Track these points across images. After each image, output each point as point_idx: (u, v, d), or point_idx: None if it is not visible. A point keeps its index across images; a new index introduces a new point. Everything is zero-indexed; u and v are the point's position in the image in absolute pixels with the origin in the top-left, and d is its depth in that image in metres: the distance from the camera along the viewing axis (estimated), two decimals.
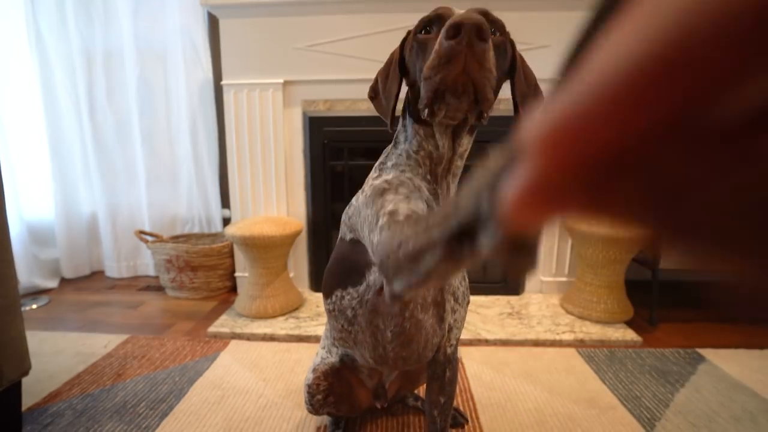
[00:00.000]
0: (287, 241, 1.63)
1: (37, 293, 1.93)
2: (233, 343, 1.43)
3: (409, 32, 0.62)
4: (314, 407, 0.87)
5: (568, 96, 0.08)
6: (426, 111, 0.52)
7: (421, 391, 1.09)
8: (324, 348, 0.88)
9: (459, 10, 0.55)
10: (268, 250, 1.58)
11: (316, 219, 1.83)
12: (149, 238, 1.95)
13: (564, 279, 1.81)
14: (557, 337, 1.43)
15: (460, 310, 0.74)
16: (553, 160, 0.08)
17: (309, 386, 0.86)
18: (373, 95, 0.69)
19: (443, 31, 0.46)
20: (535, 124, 0.09)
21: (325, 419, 1.02)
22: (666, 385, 1.18)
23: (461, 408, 1.08)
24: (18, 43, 1.91)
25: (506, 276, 1.82)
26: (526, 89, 0.62)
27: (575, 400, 1.11)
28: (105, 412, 1.06)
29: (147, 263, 2.17)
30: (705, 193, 0.08)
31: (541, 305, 1.71)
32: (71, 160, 2.08)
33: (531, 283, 1.86)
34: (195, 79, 2.00)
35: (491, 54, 0.48)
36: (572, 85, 0.08)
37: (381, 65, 0.69)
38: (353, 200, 0.69)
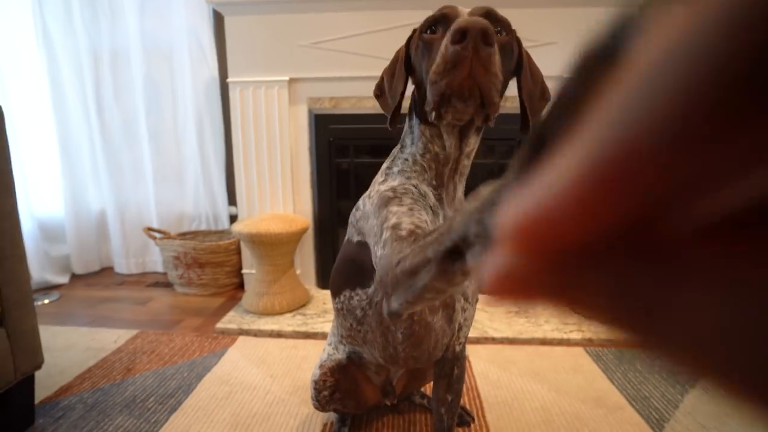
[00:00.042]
0: (294, 239, 1.64)
1: (48, 288, 1.96)
2: (241, 339, 1.44)
3: (414, 30, 0.62)
4: (320, 403, 0.87)
5: (534, 192, 0.08)
6: (433, 114, 0.52)
7: (428, 388, 1.09)
8: (331, 345, 0.89)
9: (464, 9, 0.55)
10: (275, 248, 1.59)
11: (322, 216, 1.83)
12: (157, 235, 1.97)
13: None
14: (565, 336, 1.43)
15: (470, 308, 0.74)
16: (519, 253, 0.09)
17: (315, 382, 0.86)
18: (379, 93, 0.69)
19: (449, 35, 0.46)
20: (507, 213, 0.09)
21: (331, 416, 1.03)
22: (675, 385, 1.17)
23: (468, 406, 1.08)
24: (26, 41, 1.93)
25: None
26: (533, 87, 0.62)
27: (583, 400, 1.11)
28: (115, 406, 1.08)
29: (155, 260, 2.19)
30: (664, 309, 0.08)
31: None
32: (80, 158, 2.10)
33: None
34: (201, 77, 2.01)
35: (497, 58, 0.48)
36: (539, 181, 0.08)
37: (386, 63, 0.69)
38: (360, 202, 0.69)
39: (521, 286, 0.09)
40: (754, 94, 0.06)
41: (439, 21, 0.55)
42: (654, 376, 1.21)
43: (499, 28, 0.55)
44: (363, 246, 0.66)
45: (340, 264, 0.76)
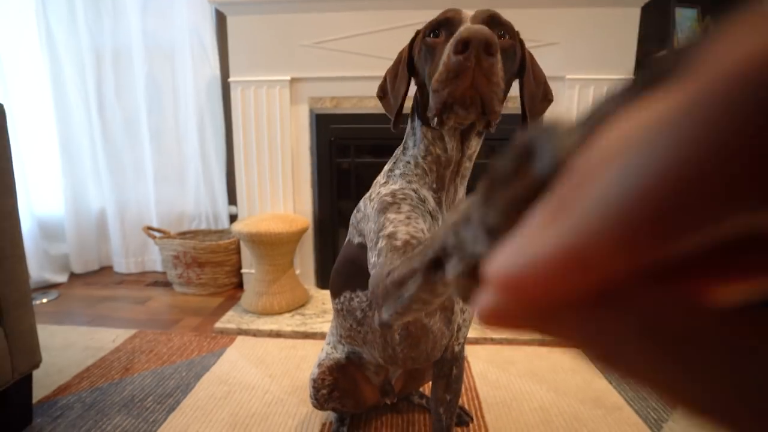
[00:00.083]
0: (294, 238, 1.64)
1: (47, 288, 1.96)
2: (239, 339, 1.44)
3: (417, 32, 0.62)
4: (319, 402, 0.87)
5: (517, 250, 0.09)
6: (435, 120, 0.53)
7: (426, 388, 1.09)
8: (329, 344, 0.89)
9: (468, 12, 0.55)
10: (275, 247, 1.59)
11: (322, 216, 1.83)
12: (157, 234, 1.97)
13: None
14: None
15: (470, 310, 0.74)
16: (504, 298, 0.10)
17: (314, 380, 0.86)
18: (382, 95, 0.69)
19: (452, 45, 0.47)
20: (494, 263, 0.10)
21: (330, 416, 1.02)
22: None
23: (466, 407, 1.08)
24: (28, 40, 1.93)
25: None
26: (535, 89, 0.62)
27: (581, 400, 1.11)
28: (113, 405, 1.08)
29: (155, 259, 2.19)
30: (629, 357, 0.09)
31: None
32: (81, 157, 2.10)
33: None
34: (203, 77, 2.01)
35: (499, 67, 0.48)
36: (520, 240, 0.09)
37: (388, 63, 0.69)
38: (360, 204, 0.70)
39: (507, 321, 0.10)
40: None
41: (442, 25, 0.55)
42: None
43: (502, 32, 0.55)
44: (363, 248, 0.66)
45: (341, 265, 0.76)
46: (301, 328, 1.48)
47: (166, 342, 1.41)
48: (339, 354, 0.86)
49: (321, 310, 1.65)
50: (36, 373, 1.01)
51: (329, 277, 0.80)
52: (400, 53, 0.65)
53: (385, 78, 0.68)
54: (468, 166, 0.64)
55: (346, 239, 0.75)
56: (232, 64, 1.71)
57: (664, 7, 1.61)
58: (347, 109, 1.71)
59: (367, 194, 0.68)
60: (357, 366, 0.88)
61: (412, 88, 0.65)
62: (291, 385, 1.17)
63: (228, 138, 2.08)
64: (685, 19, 1.75)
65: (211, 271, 1.87)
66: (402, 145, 0.67)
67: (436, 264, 0.27)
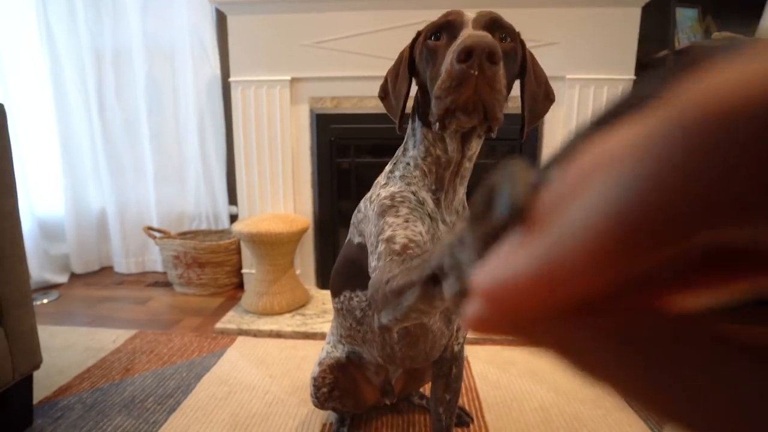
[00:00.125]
0: (294, 238, 1.64)
1: (47, 288, 1.96)
2: (240, 339, 1.44)
3: (419, 33, 0.62)
4: (319, 400, 0.87)
5: (501, 266, 0.10)
6: (437, 125, 0.53)
7: (427, 389, 1.09)
8: (330, 343, 0.89)
9: (469, 14, 0.55)
10: (275, 247, 1.59)
11: (322, 216, 1.83)
12: (157, 235, 1.97)
13: None
14: None
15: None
16: (489, 308, 0.10)
17: (314, 379, 0.87)
18: (383, 95, 0.69)
19: (455, 54, 0.47)
20: (480, 276, 0.10)
21: (330, 416, 1.02)
22: None
23: (466, 407, 1.08)
24: (29, 40, 1.93)
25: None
26: (537, 89, 0.62)
27: (581, 400, 1.11)
28: (114, 406, 1.08)
29: (155, 259, 2.19)
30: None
31: None
32: (81, 157, 2.10)
33: None
34: (203, 77, 2.01)
35: (501, 74, 0.49)
36: (503, 257, 0.10)
37: (388, 62, 0.69)
38: (361, 204, 0.70)
39: (490, 328, 0.11)
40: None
41: (443, 28, 0.55)
42: None
43: (503, 35, 0.55)
44: (363, 248, 0.66)
45: (341, 265, 0.76)
46: (302, 329, 1.48)
47: (167, 342, 1.41)
48: (339, 353, 0.86)
49: (321, 311, 1.65)
50: (36, 374, 1.01)
51: (329, 277, 0.80)
52: (401, 53, 0.65)
53: (386, 78, 0.68)
54: (468, 166, 0.64)
55: (347, 239, 0.75)
56: (233, 63, 1.71)
57: (664, 7, 1.60)
58: (347, 109, 1.71)
59: (368, 195, 0.68)
60: (357, 366, 0.88)
61: (413, 89, 0.65)
62: (291, 385, 1.17)
63: (228, 138, 2.08)
64: (685, 19, 1.75)
65: (212, 271, 1.87)
66: (402, 146, 0.67)
67: (434, 279, 0.28)
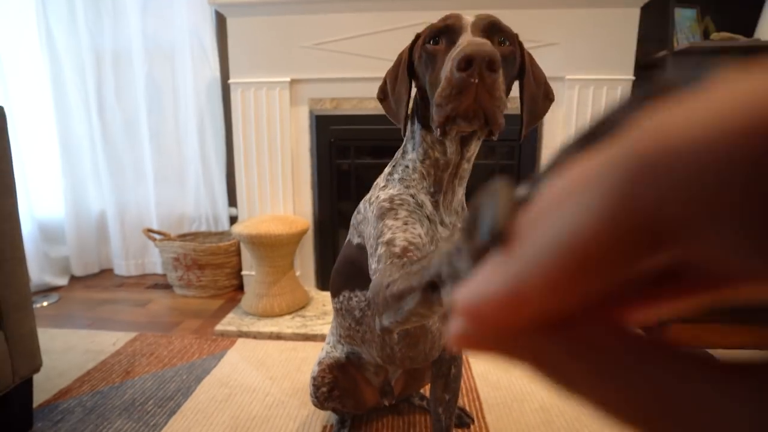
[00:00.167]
0: (294, 240, 1.63)
1: (47, 291, 1.95)
2: (240, 341, 1.44)
3: (417, 35, 0.62)
4: (319, 400, 0.87)
5: (480, 283, 0.11)
6: (438, 131, 0.54)
7: (427, 390, 1.09)
8: (329, 344, 0.90)
9: (468, 18, 0.55)
10: (275, 249, 1.59)
11: (322, 218, 1.83)
12: (157, 237, 1.97)
13: None
14: None
15: None
16: (470, 324, 0.11)
17: (314, 378, 0.87)
18: (383, 97, 0.69)
19: (455, 61, 0.47)
20: (462, 293, 0.11)
21: (330, 418, 1.02)
22: None
23: (467, 408, 1.07)
24: (29, 41, 1.93)
25: None
26: (536, 90, 0.62)
27: None
28: (114, 409, 1.07)
29: (155, 261, 2.19)
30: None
31: None
32: (81, 159, 2.10)
33: None
34: (202, 78, 2.01)
35: (501, 81, 0.49)
36: (483, 275, 0.11)
37: (388, 64, 0.69)
38: (361, 205, 0.70)
39: (471, 344, 0.11)
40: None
41: (442, 32, 0.56)
42: None
43: (502, 38, 0.56)
44: (363, 249, 0.66)
45: (340, 265, 0.76)
46: (302, 330, 1.48)
47: (167, 345, 1.41)
48: (338, 353, 0.87)
49: (321, 312, 1.64)
50: (36, 377, 1.01)
51: (329, 279, 0.80)
52: (400, 55, 0.65)
53: (384, 80, 0.68)
54: (467, 167, 0.64)
55: (346, 239, 0.75)
56: (232, 65, 1.71)
57: (663, 7, 1.61)
58: (347, 110, 1.71)
59: (367, 196, 0.68)
60: (357, 367, 0.88)
61: (412, 92, 0.65)
62: (292, 387, 1.17)
63: (228, 139, 2.08)
64: (684, 19, 1.75)
65: (212, 273, 1.87)
66: (401, 148, 0.67)
67: (433, 286, 0.28)
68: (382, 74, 0.70)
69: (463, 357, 0.82)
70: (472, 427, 1.02)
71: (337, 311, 0.79)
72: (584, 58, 1.58)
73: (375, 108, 1.63)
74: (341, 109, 1.71)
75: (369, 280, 0.69)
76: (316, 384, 0.86)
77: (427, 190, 0.63)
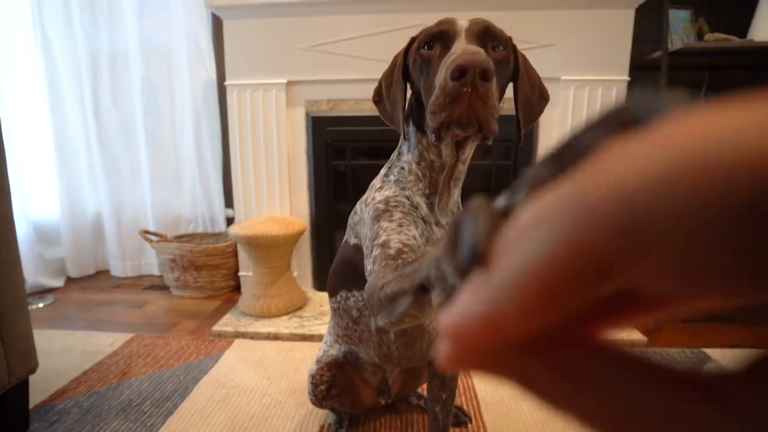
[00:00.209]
0: (290, 241, 1.64)
1: (43, 292, 1.95)
2: (237, 341, 1.44)
3: (412, 39, 0.62)
4: (317, 398, 0.88)
5: (461, 308, 0.11)
6: (433, 137, 0.55)
7: (424, 389, 1.09)
8: (326, 343, 0.90)
9: (462, 23, 0.56)
10: (272, 250, 1.59)
11: (319, 219, 1.83)
12: (153, 238, 1.96)
13: None
14: None
15: None
16: (454, 345, 0.11)
17: (312, 376, 0.87)
18: (378, 99, 0.69)
19: (449, 71, 0.48)
20: (445, 316, 0.12)
21: (328, 418, 1.02)
22: None
23: (465, 407, 1.08)
24: (24, 43, 1.93)
25: None
26: (530, 92, 0.63)
27: None
28: (111, 410, 1.07)
29: (151, 262, 2.18)
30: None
31: None
32: (76, 160, 2.09)
33: None
34: (199, 80, 2.01)
35: (494, 89, 0.50)
36: (463, 299, 0.12)
37: (384, 65, 0.69)
38: (357, 206, 0.71)
39: (460, 364, 0.12)
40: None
41: (436, 38, 0.56)
42: None
43: (496, 43, 0.57)
44: (360, 249, 0.67)
45: (338, 265, 0.77)
46: (299, 331, 1.48)
47: (164, 345, 1.41)
48: (336, 352, 0.87)
49: (318, 312, 1.64)
50: (33, 378, 1.01)
51: (326, 279, 0.81)
52: (395, 58, 0.66)
53: (380, 82, 0.69)
54: (462, 169, 0.65)
55: (344, 240, 0.76)
56: (229, 67, 1.71)
57: (658, 8, 1.62)
58: (343, 111, 1.71)
59: (364, 197, 0.69)
60: (354, 366, 0.88)
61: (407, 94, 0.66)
62: (289, 387, 1.17)
63: (224, 141, 2.08)
64: (678, 20, 1.76)
65: (208, 274, 1.87)
66: (397, 150, 0.68)
67: (424, 288, 0.29)
68: (379, 76, 0.70)
69: None
70: (469, 425, 1.02)
71: (335, 311, 0.80)
72: (579, 59, 1.59)
73: (371, 109, 1.63)
74: (337, 110, 1.72)
75: (366, 281, 0.70)
76: (315, 382, 0.87)
77: (423, 191, 0.64)
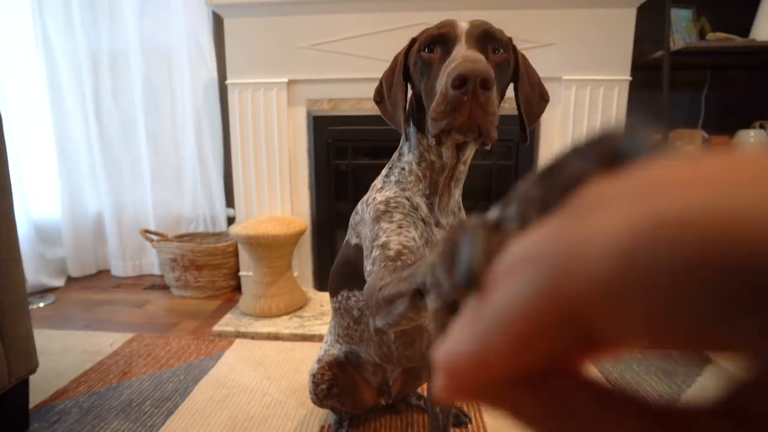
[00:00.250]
0: (291, 241, 1.63)
1: (44, 292, 1.95)
2: (238, 341, 1.44)
3: (413, 40, 0.62)
4: (318, 397, 0.88)
5: (452, 347, 0.12)
6: (433, 141, 0.55)
7: (424, 390, 1.09)
8: (327, 342, 0.90)
9: (463, 25, 0.56)
10: (273, 250, 1.59)
11: (320, 218, 1.83)
12: (154, 237, 1.96)
13: None
14: None
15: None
16: (448, 379, 0.12)
17: (314, 375, 0.87)
18: (379, 99, 0.70)
19: (449, 79, 0.49)
20: (440, 350, 0.12)
21: (329, 418, 1.02)
22: (672, 386, 1.17)
23: (465, 407, 1.08)
24: (25, 43, 1.93)
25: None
26: (530, 93, 0.64)
27: None
28: (111, 410, 1.07)
29: (152, 262, 2.18)
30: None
31: None
32: (77, 160, 2.10)
33: None
34: (200, 79, 2.01)
35: (494, 96, 0.51)
36: (453, 338, 0.12)
37: (385, 64, 0.69)
38: (358, 207, 0.71)
39: (456, 396, 0.12)
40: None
41: (437, 40, 0.57)
42: (651, 375, 1.21)
43: (496, 46, 0.57)
44: (361, 249, 0.67)
45: (339, 265, 0.77)
46: (299, 331, 1.48)
47: (164, 345, 1.41)
48: (337, 352, 0.87)
49: (319, 312, 1.64)
50: (33, 378, 1.01)
51: (327, 279, 0.81)
52: (396, 58, 0.66)
53: (381, 82, 0.69)
54: (463, 170, 0.65)
55: (345, 239, 0.76)
56: (230, 66, 1.71)
57: (659, 7, 1.61)
58: (344, 110, 1.71)
59: (365, 197, 0.69)
60: (355, 367, 0.88)
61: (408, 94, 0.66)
62: (289, 387, 1.17)
63: (225, 140, 2.07)
64: (680, 19, 1.76)
65: (209, 274, 1.87)
66: (398, 150, 0.68)
67: (420, 293, 0.30)
68: (380, 75, 0.70)
69: None
70: (469, 426, 1.02)
71: (336, 310, 0.80)
72: (581, 59, 1.58)
73: (372, 109, 1.63)
74: (339, 109, 1.71)
75: (366, 279, 0.70)
76: (316, 381, 0.87)
77: (423, 192, 0.64)
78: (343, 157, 1.77)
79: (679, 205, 0.08)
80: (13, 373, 0.92)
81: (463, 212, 0.71)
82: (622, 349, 0.11)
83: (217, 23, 1.94)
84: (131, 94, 2.04)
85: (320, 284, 1.88)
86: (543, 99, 0.66)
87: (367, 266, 0.58)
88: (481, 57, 0.50)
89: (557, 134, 1.65)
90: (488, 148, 0.56)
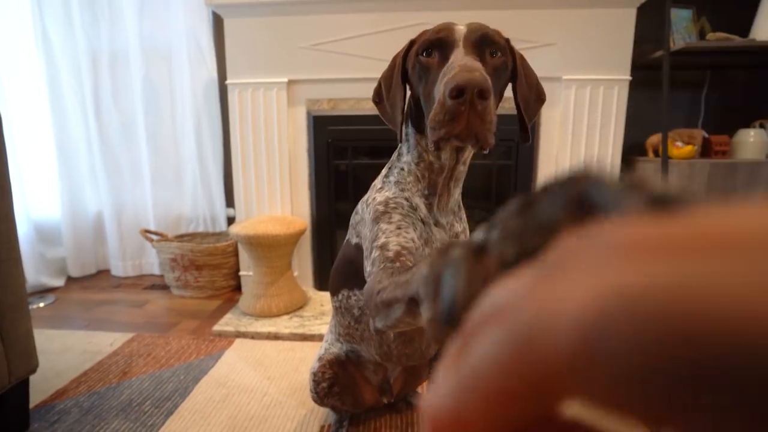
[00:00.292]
0: (291, 240, 1.63)
1: (44, 292, 1.95)
2: (238, 341, 1.44)
3: (411, 42, 0.63)
4: (319, 396, 0.88)
5: (439, 399, 0.12)
6: (432, 146, 0.55)
7: (425, 389, 1.09)
8: (328, 342, 0.90)
9: (461, 28, 0.56)
10: (273, 249, 1.59)
11: (320, 218, 1.83)
12: (154, 237, 1.96)
13: None
14: None
15: None
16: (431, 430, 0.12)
17: (314, 374, 0.87)
18: (378, 100, 0.70)
19: (447, 89, 0.49)
20: (425, 401, 0.12)
21: (329, 418, 1.02)
22: None
23: None
24: (24, 43, 1.93)
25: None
26: (528, 93, 0.64)
27: None
28: (111, 410, 1.07)
29: (152, 262, 2.18)
30: None
31: None
32: (77, 160, 2.09)
33: None
34: (200, 79, 2.01)
35: (492, 105, 0.51)
36: (439, 390, 0.12)
37: (385, 64, 0.69)
38: (359, 206, 0.71)
39: None
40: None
41: (435, 45, 0.57)
42: None
43: (494, 50, 0.57)
44: (361, 249, 0.68)
45: (340, 264, 0.77)
46: (300, 330, 1.48)
47: (164, 345, 1.41)
48: (338, 350, 0.87)
49: (319, 312, 1.64)
50: (33, 378, 1.01)
51: (327, 279, 0.81)
52: (394, 59, 0.66)
53: (379, 83, 0.69)
54: (462, 170, 0.66)
55: (345, 239, 0.76)
56: (229, 66, 1.71)
57: (659, 7, 1.61)
58: (344, 110, 1.71)
59: (365, 197, 0.69)
60: (356, 366, 0.89)
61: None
62: (289, 387, 1.17)
63: (225, 140, 2.07)
64: (680, 19, 1.76)
65: (209, 273, 1.87)
66: (397, 150, 0.68)
67: (415, 300, 0.30)
68: (379, 75, 0.70)
69: None
70: None
71: (336, 309, 0.80)
72: (581, 59, 1.58)
73: (372, 109, 1.62)
74: (338, 109, 1.71)
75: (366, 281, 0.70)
76: (317, 379, 0.87)
77: (422, 192, 0.65)
78: (343, 156, 1.77)
79: (642, 280, 0.08)
80: (13, 373, 0.92)
81: (463, 211, 0.71)
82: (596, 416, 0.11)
83: (217, 23, 1.94)
84: (131, 94, 2.04)
85: (320, 284, 1.88)
86: (540, 99, 0.66)
87: (367, 267, 0.59)
88: (478, 65, 0.51)
89: (557, 134, 1.66)
90: (486, 152, 0.56)
